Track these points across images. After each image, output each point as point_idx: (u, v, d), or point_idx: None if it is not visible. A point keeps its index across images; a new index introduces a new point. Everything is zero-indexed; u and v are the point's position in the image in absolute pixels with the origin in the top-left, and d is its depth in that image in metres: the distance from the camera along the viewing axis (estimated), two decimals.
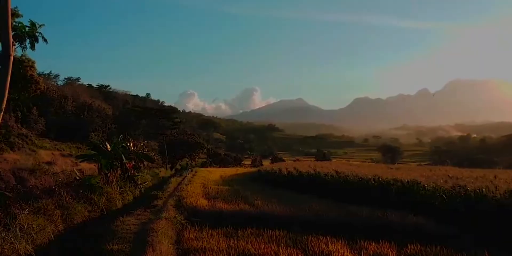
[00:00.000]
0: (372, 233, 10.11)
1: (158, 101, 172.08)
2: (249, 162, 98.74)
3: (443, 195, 13.20)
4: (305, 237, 9.54)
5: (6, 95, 9.13)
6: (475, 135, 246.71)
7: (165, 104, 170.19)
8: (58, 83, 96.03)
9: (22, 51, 32.23)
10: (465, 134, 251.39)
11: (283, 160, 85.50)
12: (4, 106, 9.07)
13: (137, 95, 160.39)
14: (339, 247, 8.60)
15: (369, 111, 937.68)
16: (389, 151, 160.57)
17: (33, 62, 38.43)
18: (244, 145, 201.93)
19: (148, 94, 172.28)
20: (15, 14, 31.56)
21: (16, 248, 8.01)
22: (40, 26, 32.06)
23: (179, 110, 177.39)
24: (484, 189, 12.45)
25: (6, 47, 9.25)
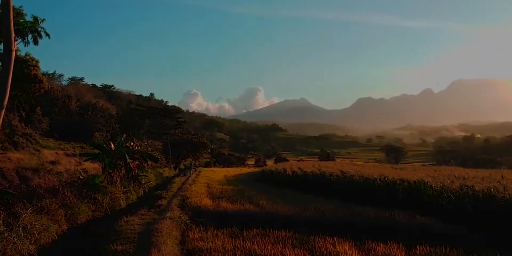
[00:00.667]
0: (379, 234, 9.97)
1: (162, 101, 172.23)
2: (253, 162, 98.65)
3: (451, 195, 13.03)
4: (312, 237, 9.38)
5: (8, 91, 9.00)
6: (479, 135, 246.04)
7: (169, 104, 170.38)
8: (62, 83, 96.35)
9: (25, 46, 32.03)
10: (468, 134, 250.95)
11: (287, 160, 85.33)
12: (6, 102, 8.96)
13: (141, 95, 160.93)
14: (347, 248, 8.44)
15: (372, 111, 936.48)
16: (393, 151, 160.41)
17: (37, 62, 38.45)
18: (248, 145, 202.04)
19: (151, 94, 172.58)
20: (19, 14, 31.50)
21: (19, 248, 7.89)
22: (42, 20, 31.85)
23: (183, 110, 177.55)
24: (492, 189, 12.28)
25: (8, 43, 9.11)
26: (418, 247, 8.70)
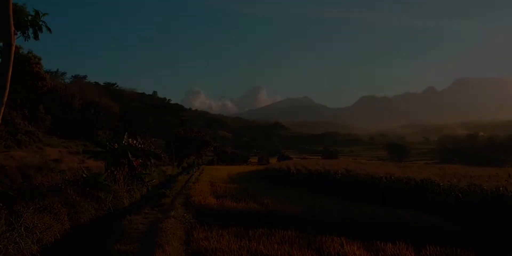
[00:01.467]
0: (386, 233, 9.80)
1: (165, 98, 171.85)
2: (256, 160, 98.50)
3: (459, 194, 12.84)
4: (319, 237, 9.19)
5: (8, 87, 8.82)
6: (482, 133, 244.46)
7: (172, 102, 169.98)
8: (65, 80, 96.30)
9: (25, 40, 31.72)
10: (472, 132, 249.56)
11: (290, 158, 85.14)
12: (5, 99, 8.78)
13: (143, 92, 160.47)
14: (355, 249, 8.24)
15: (375, 109, 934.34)
16: (396, 149, 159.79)
17: (39, 59, 38.28)
18: (250, 143, 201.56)
19: (155, 92, 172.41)
20: (22, 12, 31.30)
21: (21, 247, 7.74)
22: (43, 14, 31.49)
23: (186, 108, 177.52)
24: (501, 188, 12.09)
25: (8, 37, 8.93)
26: (427, 247, 8.50)
